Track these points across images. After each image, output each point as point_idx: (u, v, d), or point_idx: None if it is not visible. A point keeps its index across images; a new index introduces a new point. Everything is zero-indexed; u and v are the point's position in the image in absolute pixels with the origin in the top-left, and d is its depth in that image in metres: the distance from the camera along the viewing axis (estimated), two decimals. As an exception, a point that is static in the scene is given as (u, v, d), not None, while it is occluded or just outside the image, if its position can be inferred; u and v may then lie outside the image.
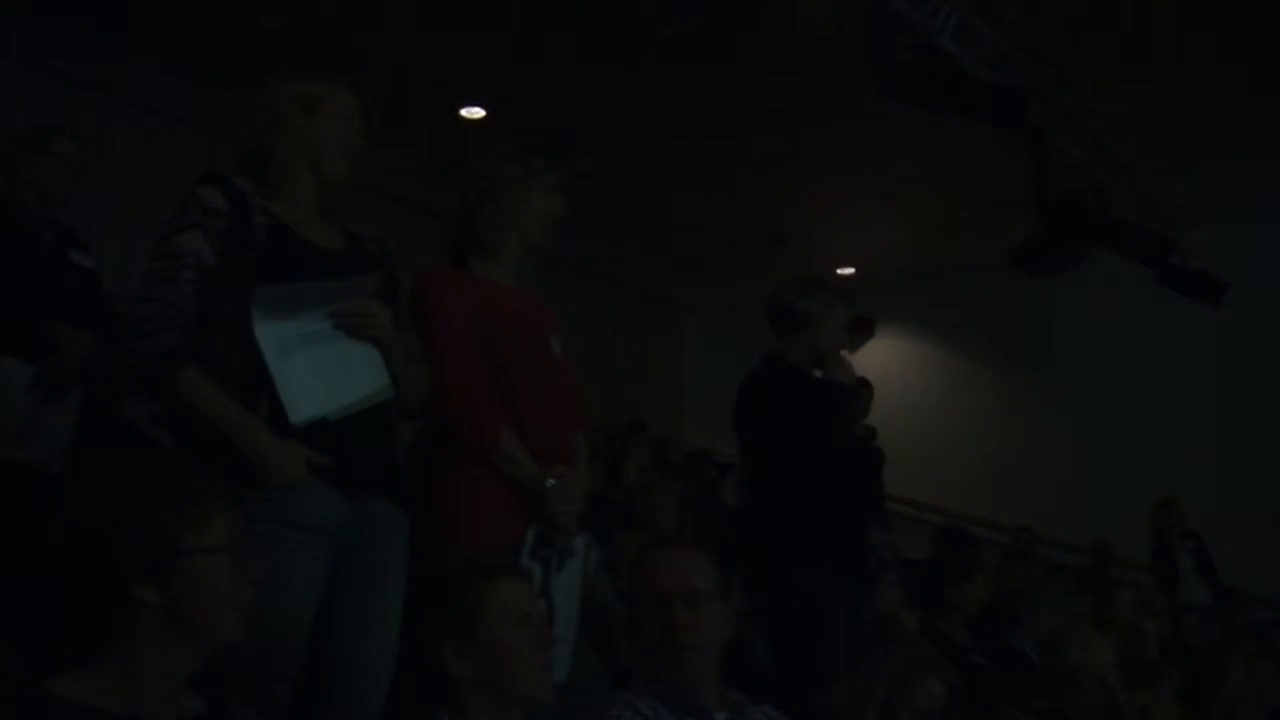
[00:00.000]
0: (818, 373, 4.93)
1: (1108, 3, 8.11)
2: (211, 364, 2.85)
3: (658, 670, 3.04)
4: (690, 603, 3.04)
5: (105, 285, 4.98)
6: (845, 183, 10.95)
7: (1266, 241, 10.55)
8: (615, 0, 8.30)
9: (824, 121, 9.62)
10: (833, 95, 9.00)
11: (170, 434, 3.09)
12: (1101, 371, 11.29)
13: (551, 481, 3.46)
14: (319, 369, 2.93)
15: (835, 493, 4.64)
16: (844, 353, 5.06)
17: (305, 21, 8.12)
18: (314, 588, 2.89)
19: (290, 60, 3.23)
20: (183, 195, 3.00)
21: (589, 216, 4.89)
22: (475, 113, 9.83)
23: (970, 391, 12.49)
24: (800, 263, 10.58)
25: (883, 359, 12.95)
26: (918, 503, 11.15)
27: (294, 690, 2.85)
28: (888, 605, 6.10)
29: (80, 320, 4.57)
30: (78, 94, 8.30)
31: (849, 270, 12.56)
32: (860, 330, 13.10)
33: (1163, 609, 8.64)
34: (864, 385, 5.02)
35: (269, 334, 2.87)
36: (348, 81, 3.24)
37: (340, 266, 3.08)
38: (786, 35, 8.17)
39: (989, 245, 9.68)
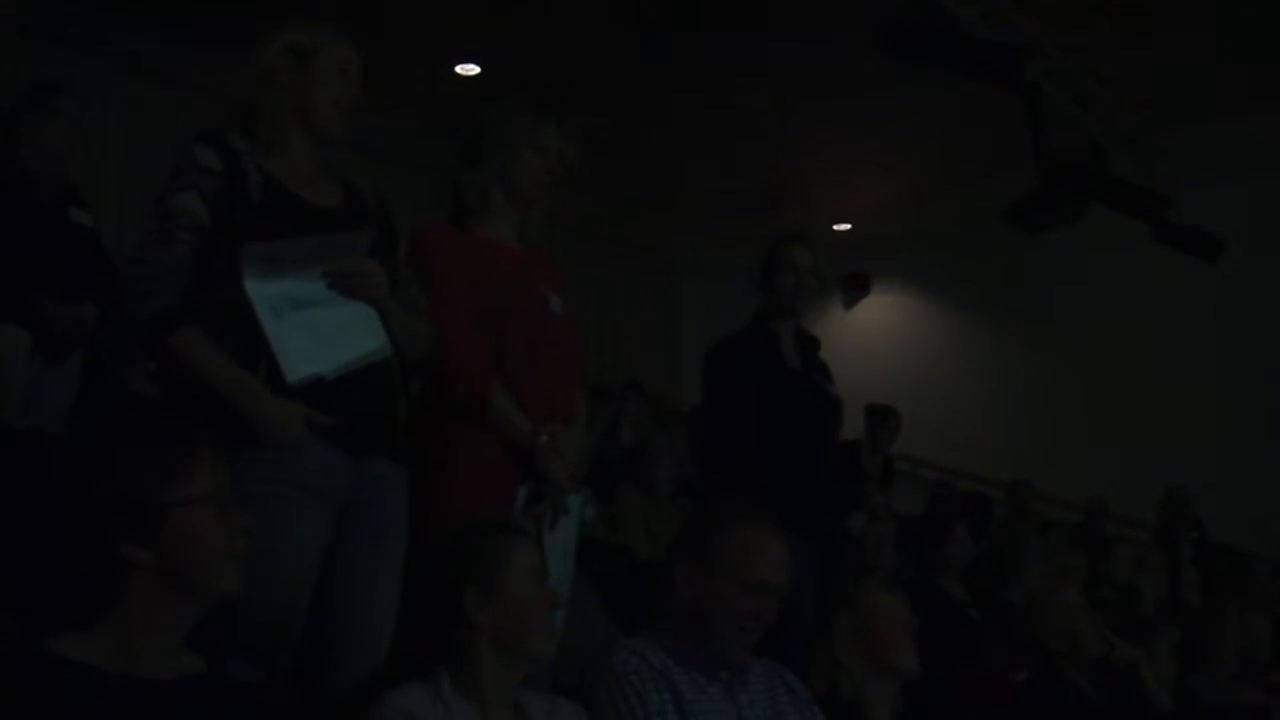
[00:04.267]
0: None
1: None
2: (209, 324, 2.85)
3: (707, 635, 3.06)
4: (775, 595, 3.08)
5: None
6: (842, 140, 10.93)
7: (1266, 199, 10.53)
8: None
9: (821, 79, 9.60)
10: (830, 53, 8.99)
11: (169, 395, 3.09)
12: (1099, 328, 11.29)
13: (544, 438, 3.47)
14: (313, 329, 2.93)
15: (785, 458, 4.63)
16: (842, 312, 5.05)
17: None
18: (315, 547, 2.90)
19: (288, 17, 3.19)
20: (177, 155, 2.99)
21: (586, 175, 4.87)
22: (470, 70, 9.80)
23: (966, 348, 12.50)
24: (797, 220, 10.55)
25: (879, 316, 13.02)
26: (913, 459, 11.17)
27: (295, 649, 2.87)
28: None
29: (81, 279, 4.57)
30: (76, 54, 8.26)
31: (845, 226, 12.56)
32: (855, 287, 13.17)
33: (1159, 565, 8.68)
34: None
35: (261, 294, 2.87)
36: (342, 34, 3.20)
37: (336, 223, 3.07)
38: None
39: (986, 202, 9.67)
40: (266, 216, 2.94)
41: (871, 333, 12.77)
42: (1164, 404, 10.76)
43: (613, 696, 2.88)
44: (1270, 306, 10.46)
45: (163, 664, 2.18)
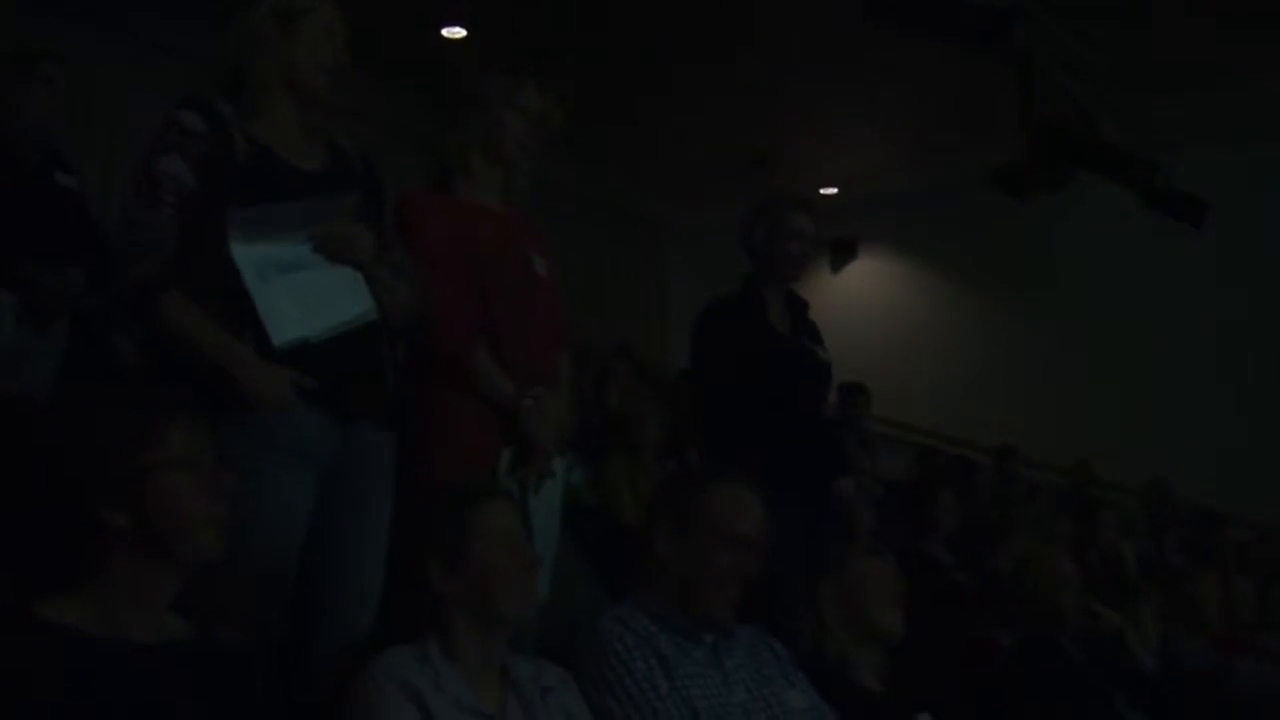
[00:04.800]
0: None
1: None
2: (195, 289, 2.84)
3: (687, 595, 3.08)
4: (753, 549, 3.10)
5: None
6: (830, 104, 10.91)
7: (1258, 166, 10.52)
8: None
9: (810, 43, 9.58)
10: (818, 17, 8.96)
11: (154, 360, 3.09)
12: (1088, 293, 11.29)
13: (529, 401, 3.47)
14: (299, 293, 2.92)
15: (775, 422, 4.64)
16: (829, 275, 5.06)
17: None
18: (301, 511, 2.90)
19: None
20: (162, 119, 2.98)
21: (574, 139, 4.87)
22: (456, 32, 9.76)
23: (953, 313, 12.49)
24: (784, 184, 10.54)
25: (865, 280, 13.01)
26: (900, 424, 11.19)
27: (284, 614, 2.88)
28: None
29: (67, 243, 4.56)
30: (62, 20, 8.21)
31: (832, 190, 12.53)
32: (843, 251, 13.16)
33: (1144, 530, 8.72)
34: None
35: (246, 258, 2.86)
36: None
37: (322, 186, 3.06)
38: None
39: (973, 168, 9.66)
40: (252, 180, 2.93)
41: (859, 297, 12.75)
42: (1160, 371, 10.77)
43: (599, 665, 2.89)
44: (1270, 274, 10.45)
45: (148, 629, 2.19)
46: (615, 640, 2.93)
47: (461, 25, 9.66)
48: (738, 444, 4.50)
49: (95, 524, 2.14)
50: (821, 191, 12.36)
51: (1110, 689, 4.99)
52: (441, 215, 3.55)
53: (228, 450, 2.38)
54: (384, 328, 3.13)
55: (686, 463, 6.62)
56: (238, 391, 2.78)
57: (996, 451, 10.24)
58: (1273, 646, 6.86)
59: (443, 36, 9.76)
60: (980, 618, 5.32)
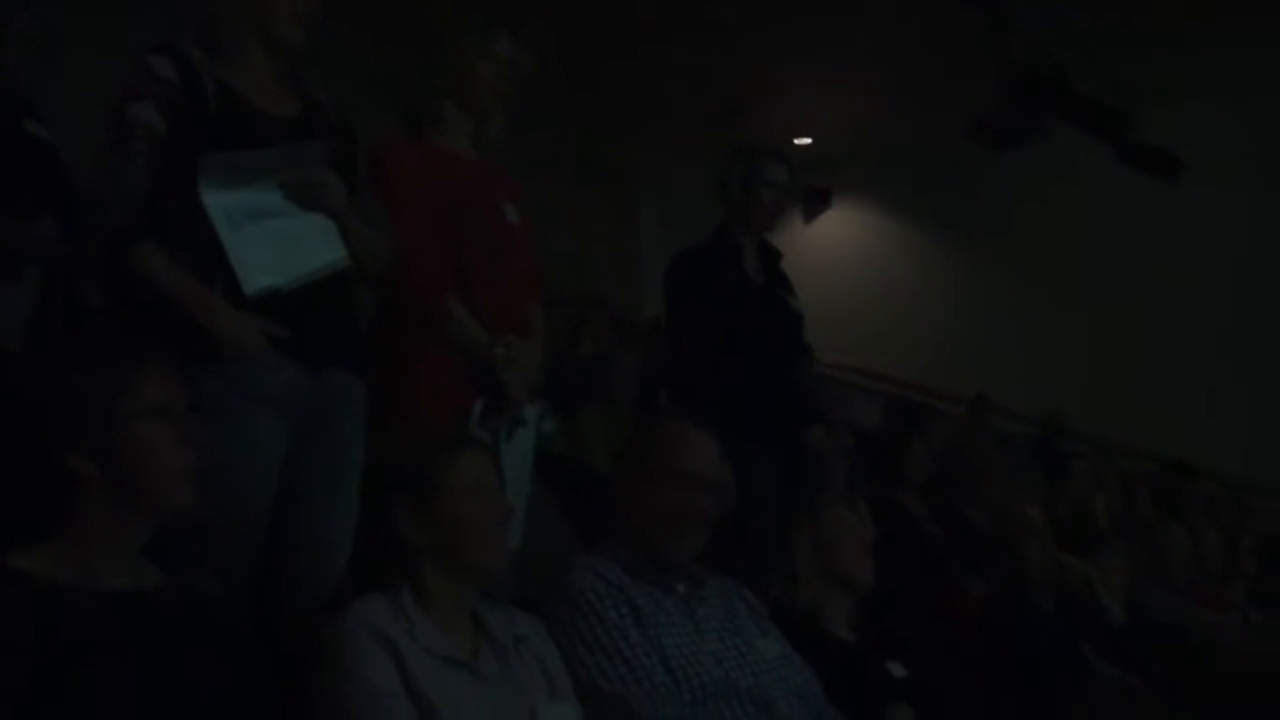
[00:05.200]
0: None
1: None
2: (166, 237, 2.83)
3: (644, 540, 3.09)
4: (706, 487, 3.10)
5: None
6: (804, 55, 10.85)
7: (1229, 118, 10.53)
8: None
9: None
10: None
11: (125, 309, 3.08)
12: (1060, 245, 11.31)
13: (500, 350, 3.47)
14: (270, 240, 2.92)
15: (750, 364, 4.64)
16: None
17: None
18: (273, 459, 2.91)
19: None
20: (133, 66, 2.96)
21: (547, 89, 4.84)
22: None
23: (926, 263, 12.50)
24: (758, 134, 10.51)
25: (839, 230, 13.01)
26: (872, 373, 11.21)
27: (257, 561, 2.88)
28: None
29: (37, 192, 4.51)
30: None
31: (805, 141, 12.50)
32: (816, 201, 13.15)
33: (1114, 481, 8.76)
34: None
35: (218, 204, 2.85)
36: None
37: (294, 134, 3.05)
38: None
39: (948, 119, 9.64)
40: (223, 127, 2.92)
41: (831, 247, 12.74)
42: (1122, 321, 10.81)
43: (571, 614, 2.90)
44: (1229, 228, 10.48)
45: (121, 577, 2.19)
46: (587, 589, 2.93)
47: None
48: (710, 393, 4.50)
49: (66, 473, 2.14)
50: (795, 142, 12.32)
51: (1079, 639, 5.03)
52: (414, 164, 3.54)
53: (199, 399, 2.38)
54: (354, 276, 3.13)
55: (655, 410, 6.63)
56: (209, 339, 2.77)
57: (969, 401, 10.27)
58: (1238, 599, 6.94)
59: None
60: (952, 568, 5.34)
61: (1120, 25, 9.45)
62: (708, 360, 4.63)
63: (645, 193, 13.95)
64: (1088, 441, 9.95)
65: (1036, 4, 8.50)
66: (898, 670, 3.71)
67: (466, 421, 3.36)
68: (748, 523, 4.14)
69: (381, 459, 2.97)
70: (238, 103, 2.99)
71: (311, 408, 2.98)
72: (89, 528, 2.16)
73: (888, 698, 3.56)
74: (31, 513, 2.17)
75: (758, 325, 4.72)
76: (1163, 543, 6.39)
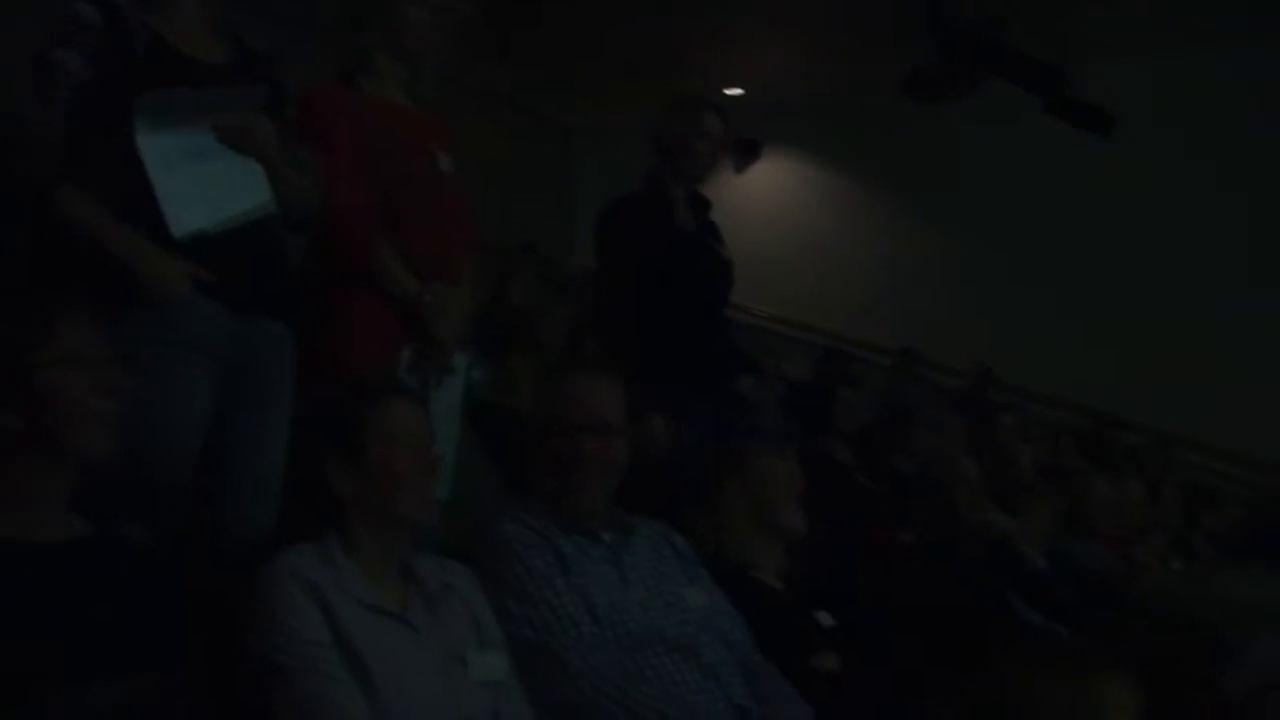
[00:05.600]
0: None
1: None
2: (91, 181, 2.80)
3: (554, 491, 3.10)
4: (601, 434, 3.10)
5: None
6: (737, 5, 10.84)
7: (1165, 77, 10.59)
8: None
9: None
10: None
11: (50, 254, 3.04)
12: (991, 199, 11.36)
13: (430, 297, 3.45)
14: (201, 183, 2.89)
15: (680, 313, 4.65)
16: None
17: None
18: (201, 405, 2.88)
19: None
20: (57, 11, 2.92)
21: (483, 38, 4.81)
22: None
23: (856, 215, 12.53)
24: (690, 84, 10.50)
25: (771, 182, 13.01)
26: (802, 324, 11.26)
27: (186, 510, 2.86)
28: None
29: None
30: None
31: (737, 91, 12.48)
32: (746, 152, 13.14)
33: (1040, 431, 8.86)
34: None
35: (151, 146, 2.82)
36: None
37: (223, 80, 3.01)
38: None
39: (881, 71, 9.66)
40: (151, 73, 2.88)
41: (762, 198, 12.76)
42: (1054, 275, 10.89)
43: (498, 563, 2.90)
44: (1160, 181, 10.55)
45: (49, 528, 2.17)
46: (514, 539, 2.93)
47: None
48: (639, 341, 4.50)
49: None
50: (727, 92, 12.29)
51: (1005, 587, 5.08)
52: (346, 111, 3.51)
53: (126, 344, 2.36)
54: (283, 221, 3.10)
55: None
56: (135, 284, 2.74)
57: (898, 353, 10.34)
58: (1160, 547, 7.04)
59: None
60: (880, 517, 5.38)
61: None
62: (638, 309, 4.62)
63: (580, 142, 13.91)
64: (1015, 393, 10.05)
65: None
66: (825, 619, 3.73)
67: (395, 369, 3.34)
68: (678, 470, 4.15)
69: (310, 408, 2.96)
70: (165, 49, 2.94)
71: (240, 355, 2.96)
72: (15, 480, 2.13)
73: (815, 646, 3.58)
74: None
75: (688, 274, 4.71)
76: (1087, 493, 6.47)
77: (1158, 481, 7.92)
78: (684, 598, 3.13)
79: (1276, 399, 9.75)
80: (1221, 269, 10.18)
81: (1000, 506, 5.76)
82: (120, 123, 2.79)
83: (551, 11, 10.93)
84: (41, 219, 2.85)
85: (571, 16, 11.06)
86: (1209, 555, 7.32)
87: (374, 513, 2.61)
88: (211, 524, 2.92)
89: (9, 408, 2.12)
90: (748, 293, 5.43)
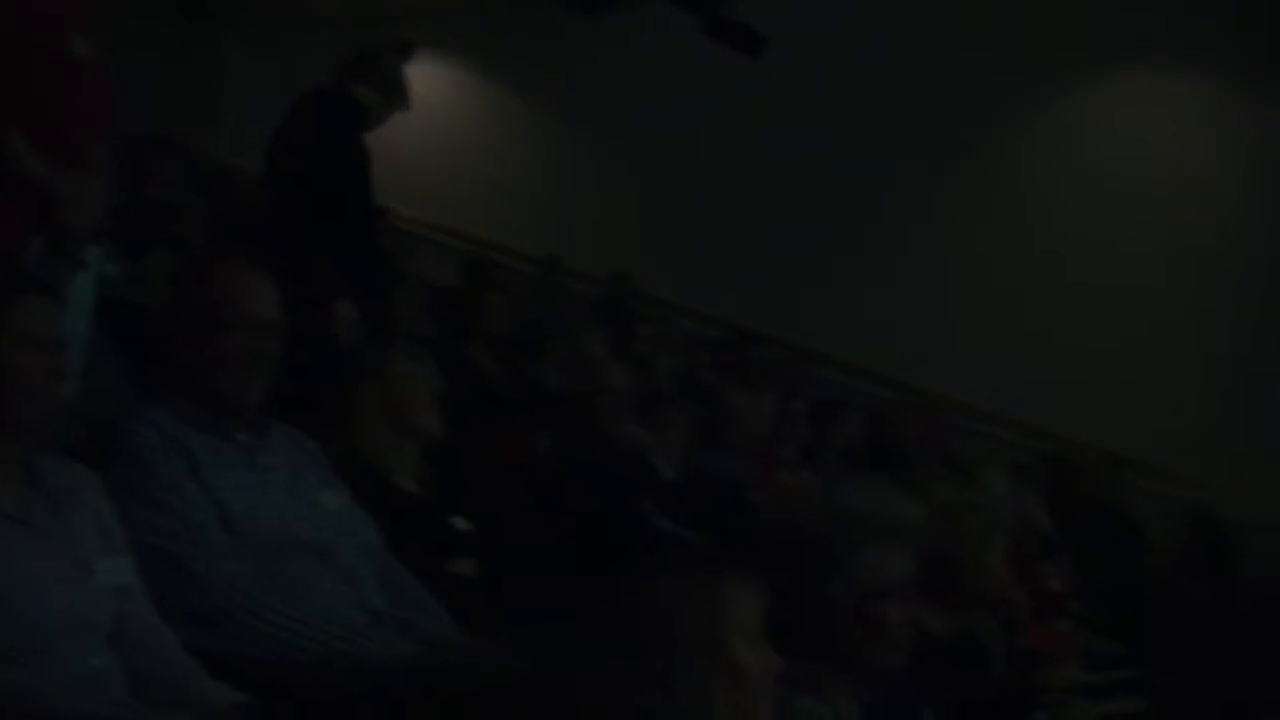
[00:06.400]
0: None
1: None
2: None
3: (196, 390, 3.00)
4: (252, 329, 3.01)
5: None
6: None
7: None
8: None
9: None
10: None
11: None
12: (637, 110, 11.46)
13: (63, 187, 3.32)
14: None
15: (349, 222, 4.65)
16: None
17: None
18: None
19: None
20: None
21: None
22: None
23: (507, 123, 12.50)
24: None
25: (420, 84, 12.80)
26: (449, 230, 11.21)
27: None
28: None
29: None
30: None
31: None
32: (399, 53, 12.93)
33: (680, 343, 9.05)
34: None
35: None
36: None
37: None
38: None
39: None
40: None
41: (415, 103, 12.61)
42: (698, 187, 11.07)
43: (123, 467, 2.81)
44: (812, 98, 10.82)
45: None
46: (142, 442, 2.85)
47: None
48: (304, 246, 4.47)
49: None
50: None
51: (639, 496, 5.21)
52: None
53: None
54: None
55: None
56: None
57: (542, 261, 10.40)
58: (790, 458, 7.32)
59: None
60: (519, 423, 5.43)
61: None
62: (314, 215, 4.59)
63: (226, 33, 13.45)
64: (656, 305, 10.24)
65: None
66: (462, 524, 3.76)
67: (22, 262, 3.20)
68: (317, 373, 4.11)
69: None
70: None
71: None
72: None
73: (452, 552, 3.61)
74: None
75: (363, 186, 4.72)
76: (721, 405, 6.65)
77: (790, 395, 8.20)
78: (320, 501, 3.10)
79: (898, 314, 10.24)
80: (849, 185, 10.58)
81: (637, 417, 5.87)
82: None
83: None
84: None
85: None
86: (835, 467, 7.61)
87: None
88: None
89: None
90: (394, 196, 5.39)
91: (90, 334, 3.51)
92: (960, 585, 3.73)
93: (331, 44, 5.71)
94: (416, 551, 3.31)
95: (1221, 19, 9.75)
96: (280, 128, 4.85)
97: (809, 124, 10.79)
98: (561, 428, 5.29)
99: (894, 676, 2.64)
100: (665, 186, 11.20)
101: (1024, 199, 10.57)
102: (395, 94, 5.05)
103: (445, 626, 3.10)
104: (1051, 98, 10.67)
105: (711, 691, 1.97)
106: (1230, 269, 9.76)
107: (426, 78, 12.61)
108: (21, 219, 3.28)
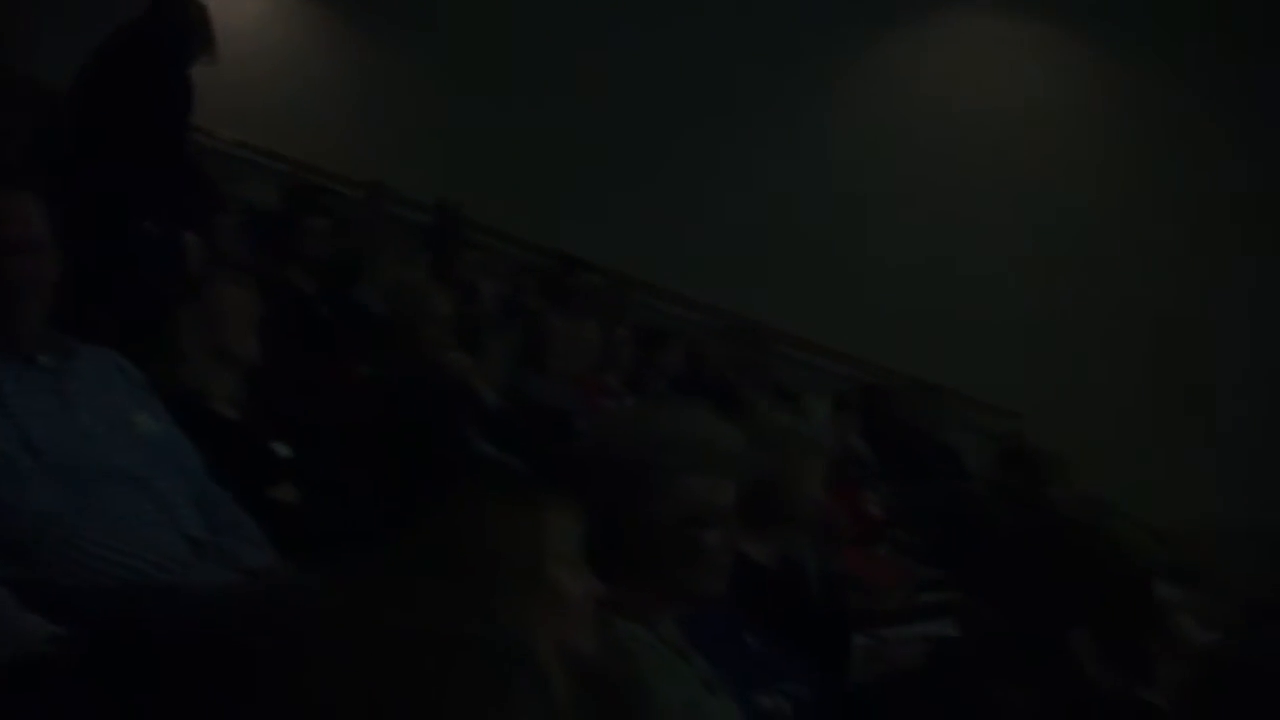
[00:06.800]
0: None
1: None
2: None
3: None
4: (22, 252, 2.90)
5: None
6: None
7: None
8: None
9: None
10: None
11: None
12: (466, 36, 11.35)
13: None
14: None
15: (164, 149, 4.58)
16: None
17: None
18: None
19: None
20: None
21: None
22: None
23: (334, 44, 12.28)
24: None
25: (249, 5, 12.57)
26: (271, 152, 11.00)
27: None
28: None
29: None
30: None
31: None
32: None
33: (504, 270, 9.03)
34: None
35: None
36: None
37: None
38: None
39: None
40: None
41: (225, 19, 12.32)
42: (529, 115, 11.02)
43: None
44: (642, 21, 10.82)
45: None
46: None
47: None
48: (117, 170, 4.39)
49: None
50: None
51: (461, 421, 5.20)
52: None
53: None
54: None
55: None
56: None
57: (366, 185, 10.27)
58: (614, 386, 7.36)
59: None
60: (340, 348, 5.39)
61: None
62: (123, 140, 4.50)
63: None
64: (479, 229, 10.18)
65: None
66: (282, 450, 3.73)
67: None
68: (129, 295, 4.03)
69: None
70: None
71: None
72: None
73: (272, 477, 3.58)
74: None
75: (183, 115, 4.64)
76: (545, 331, 6.65)
77: (614, 322, 8.23)
78: (135, 423, 3.01)
79: (725, 244, 10.34)
80: (677, 115, 10.63)
81: (460, 342, 5.85)
82: None
83: None
84: None
85: None
86: (659, 392, 7.68)
87: None
88: None
89: None
90: (213, 117, 5.29)
91: None
92: (780, 511, 3.79)
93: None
94: (236, 477, 3.26)
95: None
96: (91, 58, 4.75)
97: (632, 52, 10.79)
98: (383, 353, 5.25)
99: (715, 601, 2.68)
100: (494, 114, 11.13)
101: (851, 131, 10.73)
102: (202, 31, 4.96)
103: (266, 553, 3.05)
104: (880, 34, 10.84)
105: (532, 615, 1.98)
106: (1050, 204, 10.03)
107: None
108: None
